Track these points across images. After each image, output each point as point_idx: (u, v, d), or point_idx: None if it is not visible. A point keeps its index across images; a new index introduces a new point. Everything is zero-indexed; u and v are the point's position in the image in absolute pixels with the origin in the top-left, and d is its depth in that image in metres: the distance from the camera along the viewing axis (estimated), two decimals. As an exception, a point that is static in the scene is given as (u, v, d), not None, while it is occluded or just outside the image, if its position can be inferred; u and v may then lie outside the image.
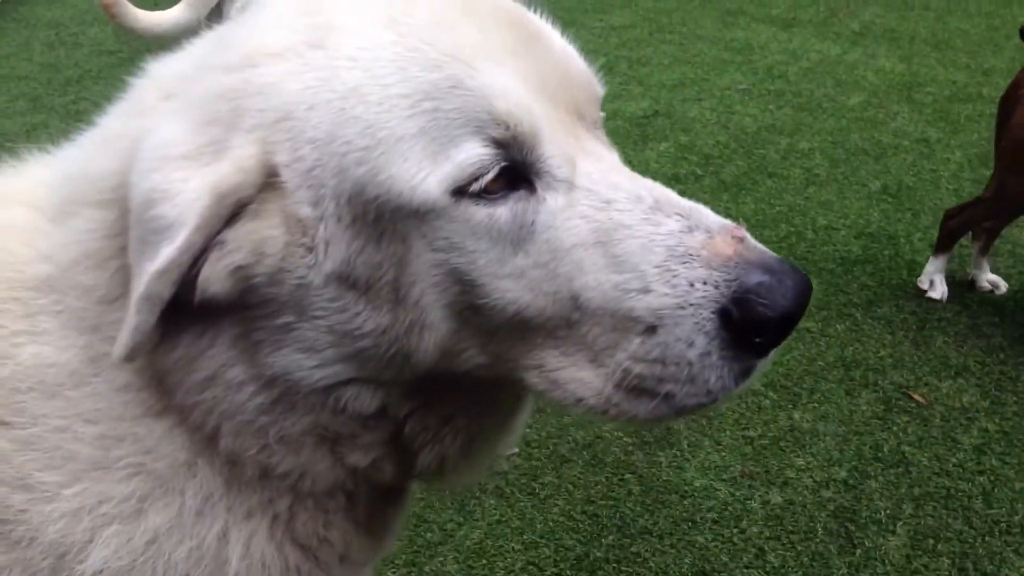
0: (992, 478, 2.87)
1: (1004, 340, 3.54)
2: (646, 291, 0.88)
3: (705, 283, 0.87)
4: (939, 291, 3.79)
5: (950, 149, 5.16)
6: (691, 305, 0.87)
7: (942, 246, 3.80)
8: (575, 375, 0.92)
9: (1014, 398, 3.22)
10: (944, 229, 3.80)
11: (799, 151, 5.16)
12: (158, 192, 0.85)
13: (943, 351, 3.47)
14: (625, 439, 2.96)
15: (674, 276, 0.87)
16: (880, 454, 2.97)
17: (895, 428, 3.08)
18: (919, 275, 3.86)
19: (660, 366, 0.89)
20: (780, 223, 4.33)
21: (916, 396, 3.23)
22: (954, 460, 2.95)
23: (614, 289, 0.88)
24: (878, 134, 5.38)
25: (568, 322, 0.90)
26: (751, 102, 5.88)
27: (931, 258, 3.84)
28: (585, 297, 0.89)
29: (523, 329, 0.91)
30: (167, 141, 0.87)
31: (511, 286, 0.89)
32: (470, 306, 0.90)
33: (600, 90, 1.03)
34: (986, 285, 3.87)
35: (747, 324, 0.87)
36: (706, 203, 0.96)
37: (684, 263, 0.88)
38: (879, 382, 3.28)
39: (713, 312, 0.87)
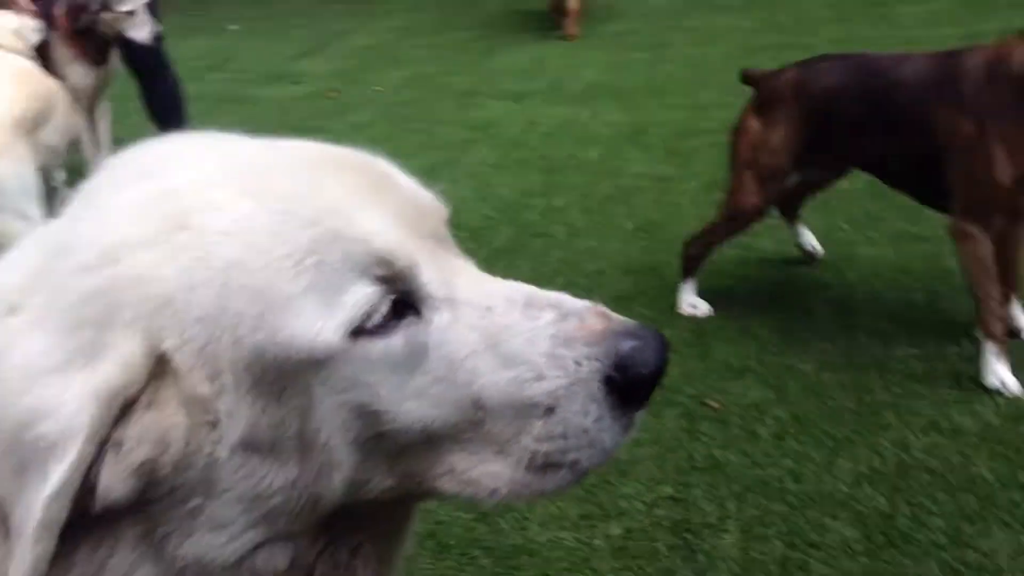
0: (795, 459, 3.15)
1: (773, 335, 3.91)
2: (541, 378, 0.94)
3: (588, 359, 0.95)
4: (703, 309, 4.15)
5: (685, 181, 5.68)
6: (581, 380, 0.95)
7: (686, 272, 4.19)
8: (486, 470, 0.95)
9: (794, 384, 3.56)
10: (686, 257, 4.19)
11: (556, 208, 5.49)
12: (33, 412, 0.79)
13: (724, 357, 3.78)
14: (465, 516, 2.98)
15: (562, 360, 0.95)
16: (695, 463, 3.17)
17: (703, 437, 3.31)
18: (684, 298, 4.20)
19: (563, 440, 0.95)
20: (555, 277, 4.56)
21: (712, 403, 3.49)
22: (759, 451, 3.20)
23: (510, 384, 0.94)
24: (620, 180, 5.83)
25: (472, 423, 0.94)
26: (504, 172, 6.20)
27: (681, 285, 4.19)
28: (486, 396, 0.93)
29: (429, 442, 0.94)
30: (31, 358, 0.82)
31: (414, 406, 0.92)
32: (375, 435, 0.92)
33: (446, 211, 1.09)
34: (811, 247, 4.46)
35: (628, 385, 0.96)
36: (486, 272, 1.05)
37: (567, 346, 0.95)
38: (678, 398, 3.52)
39: (599, 381, 0.95)
